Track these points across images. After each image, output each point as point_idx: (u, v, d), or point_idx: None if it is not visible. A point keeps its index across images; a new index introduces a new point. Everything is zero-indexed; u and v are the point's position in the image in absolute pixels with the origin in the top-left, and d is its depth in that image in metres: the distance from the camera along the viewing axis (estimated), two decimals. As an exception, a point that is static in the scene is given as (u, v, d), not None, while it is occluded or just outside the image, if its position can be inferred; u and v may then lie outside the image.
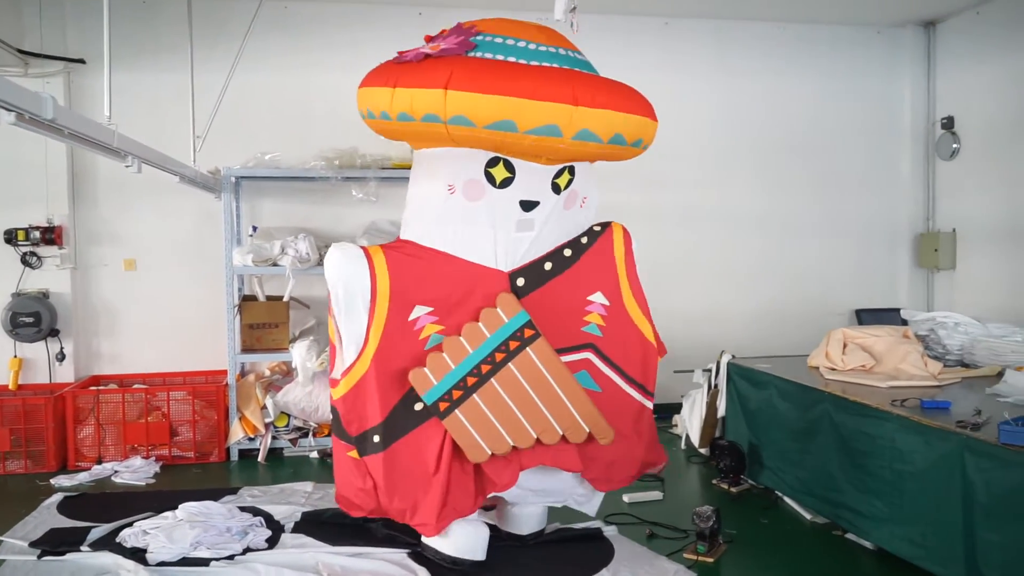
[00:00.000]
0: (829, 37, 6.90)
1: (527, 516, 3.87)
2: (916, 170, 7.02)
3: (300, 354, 5.34)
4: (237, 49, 5.11)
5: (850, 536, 3.95)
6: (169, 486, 4.90)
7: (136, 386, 5.68)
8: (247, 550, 3.70)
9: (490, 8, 6.15)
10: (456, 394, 3.38)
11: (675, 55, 6.66)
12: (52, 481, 4.97)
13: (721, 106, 6.75)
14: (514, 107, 3.11)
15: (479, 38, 3.33)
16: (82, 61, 5.79)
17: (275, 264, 5.50)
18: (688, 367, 5.83)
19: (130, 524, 3.90)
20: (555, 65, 3.30)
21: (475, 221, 3.48)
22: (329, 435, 5.53)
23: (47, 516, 4.32)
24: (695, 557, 3.71)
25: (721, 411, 5.22)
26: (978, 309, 6.08)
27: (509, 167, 3.43)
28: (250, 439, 5.52)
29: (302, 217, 6.10)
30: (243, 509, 4.17)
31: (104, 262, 5.97)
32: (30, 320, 5.59)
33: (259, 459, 5.46)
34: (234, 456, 5.51)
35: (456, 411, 3.38)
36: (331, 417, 3.64)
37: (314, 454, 5.56)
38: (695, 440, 5.46)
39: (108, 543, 3.74)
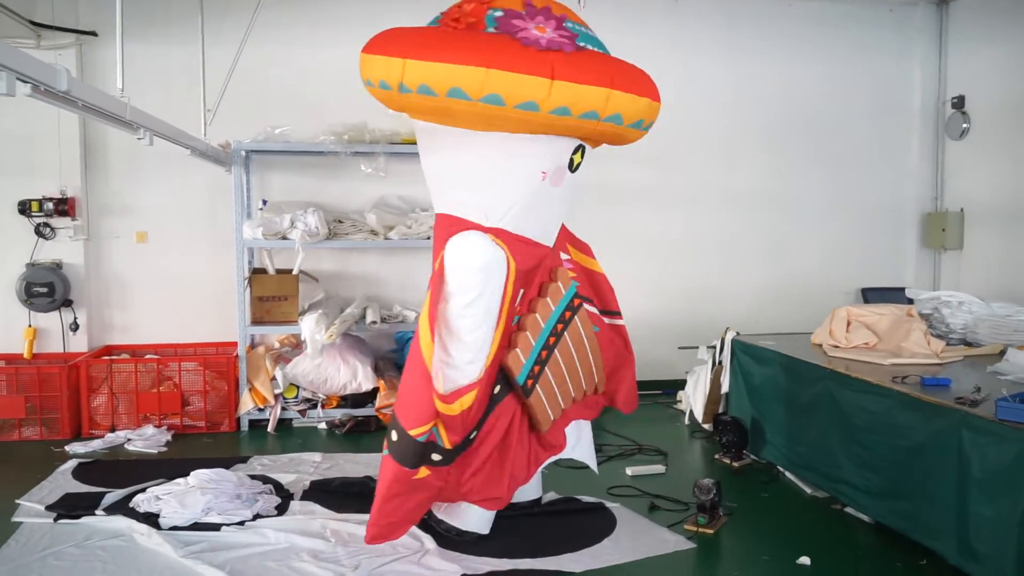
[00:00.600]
0: (839, 15, 6.86)
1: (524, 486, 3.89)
2: (925, 149, 7.01)
3: (309, 327, 5.40)
4: (248, 22, 5.12)
5: (849, 510, 4.01)
6: (180, 454, 5.00)
7: (148, 356, 5.77)
8: (257, 516, 3.79)
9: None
10: (536, 369, 3.47)
11: (685, 34, 6.63)
12: (67, 448, 5.07)
13: (730, 85, 6.73)
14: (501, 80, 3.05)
15: (572, 27, 3.29)
16: (94, 33, 5.82)
17: (285, 238, 5.56)
18: (693, 344, 5.88)
19: (143, 490, 3.99)
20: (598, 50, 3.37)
21: (552, 204, 3.54)
22: (337, 407, 5.66)
23: (62, 481, 4.43)
24: (695, 528, 3.78)
25: (725, 387, 5.27)
26: (985, 289, 6.11)
27: (583, 152, 3.54)
28: (260, 410, 5.61)
29: (311, 191, 6.15)
30: (253, 477, 4.27)
31: (116, 234, 6.04)
32: (44, 290, 5.68)
33: (268, 429, 5.55)
34: (244, 426, 5.60)
35: (537, 387, 3.48)
36: (393, 439, 3.31)
37: (322, 425, 5.65)
38: (699, 416, 5.53)
39: (122, 507, 3.85)
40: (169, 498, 3.82)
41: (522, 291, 3.51)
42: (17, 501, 4.04)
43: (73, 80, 2.78)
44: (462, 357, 3.26)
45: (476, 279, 3.24)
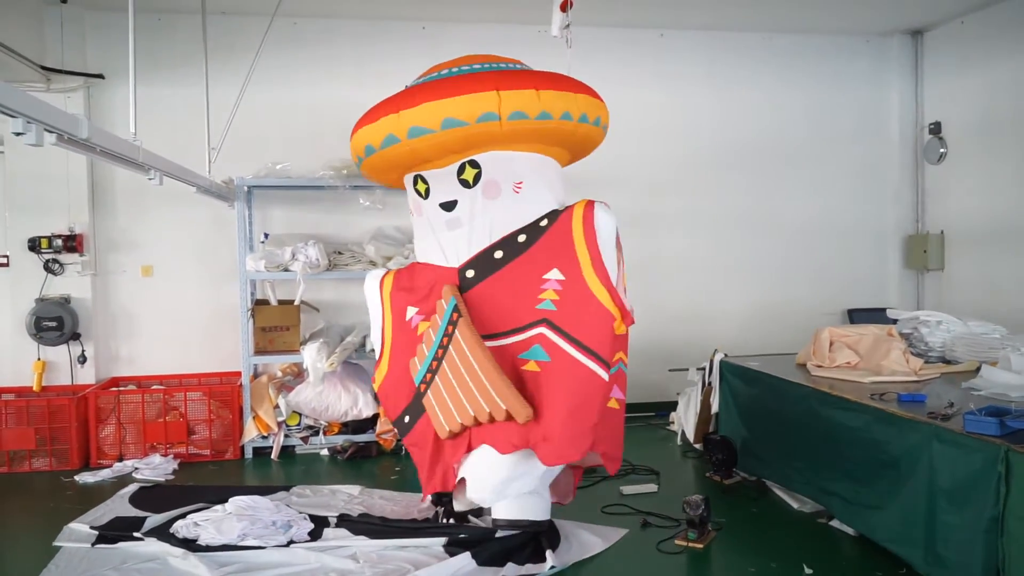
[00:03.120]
0: (819, 47, 7.13)
1: (530, 506, 3.93)
2: (905, 174, 7.25)
3: (311, 355, 5.57)
4: (250, 63, 5.34)
5: (834, 523, 4.17)
6: (186, 482, 5.14)
7: (154, 387, 5.93)
8: (291, 542, 3.92)
9: (490, 22, 6.43)
10: (428, 376, 3.85)
11: (670, 66, 6.89)
12: (76, 478, 5.22)
13: (715, 114, 6.98)
14: (364, 133, 3.95)
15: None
16: (101, 76, 6.05)
17: (286, 269, 5.74)
18: (683, 365, 6.07)
19: (183, 516, 4.16)
20: (418, 84, 3.94)
21: (424, 231, 4.13)
22: (338, 433, 5.83)
23: (118, 505, 4.63)
24: (685, 543, 3.94)
25: (714, 407, 5.44)
26: (965, 308, 6.30)
27: (423, 179, 4.03)
28: (263, 437, 5.76)
29: (312, 224, 6.35)
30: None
31: (123, 268, 6.23)
32: (53, 324, 5.85)
33: (272, 456, 5.70)
34: (248, 454, 5.76)
35: (428, 392, 3.85)
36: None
37: (324, 451, 5.80)
38: (690, 436, 5.69)
39: (161, 533, 4.01)
40: (207, 524, 3.98)
41: (412, 309, 4.06)
42: (70, 525, 4.24)
43: (93, 128, 2.98)
44: None
45: (368, 306, 4.28)
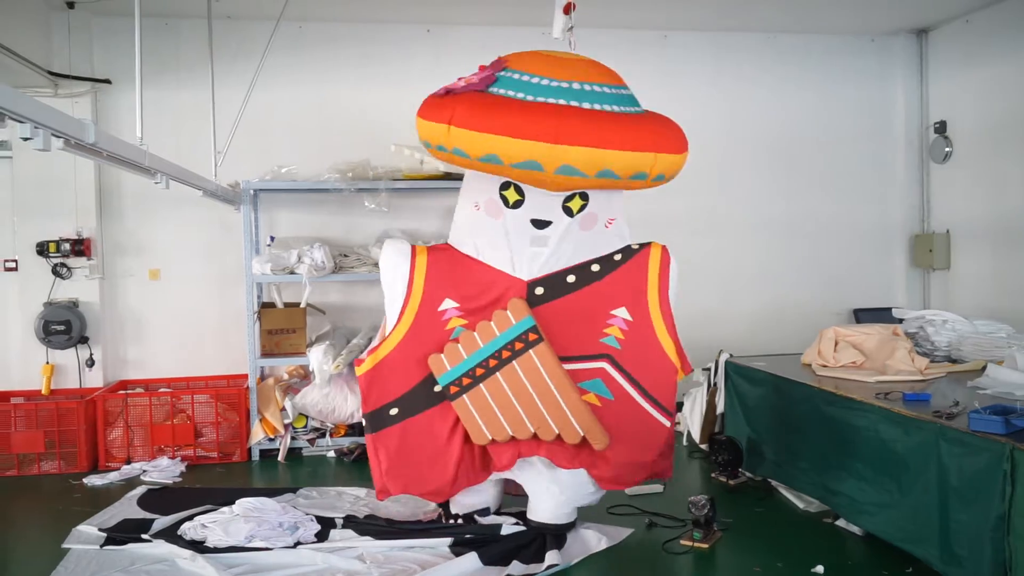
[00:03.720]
0: (824, 46, 7.13)
1: (547, 509, 4.03)
2: (910, 173, 7.23)
3: (317, 358, 5.59)
4: (255, 67, 5.37)
5: (840, 523, 4.17)
6: (195, 484, 5.16)
7: (162, 390, 5.96)
8: (297, 543, 3.94)
9: (494, 25, 6.45)
10: (466, 381, 3.77)
11: (674, 67, 6.89)
12: (84, 480, 5.25)
13: (720, 115, 6.98)
14: (499, 144, 3.48)
15: (503, 73, 3.66)
16: (108, 81, 6.09)
17: (292, 272, 5.77)
18: (689, 367, 6.05)
19: (190, 518, 4.18)
20: (561, 102, 3.56)
21: (495, 234, 3.91)
22: (344, 435, 5.84)
23: (126, 507, 4.66)
24: (691, 543, 3.94)
25: (720, 408, 5.44)
26: (972, 307, 6.30)
27: (519, 191, 3.83)
28: (270, 439, 5.78)
29: (317, 227, 6.38)
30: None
31: (130, 272, 6.26)
32: (61, 328, 5.89)
33: (279, 458, 5.72)
34: (255, 456, 5.78)
35: (464, 396, 3.77)
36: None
37: (331, 453, 5.82)
38: (696, 436, 5.69)
39: (169, 534, 4.03)
40: (214, 526, 4.00)
41: (450, 301, 3.86)
42: (79, 527, 4.26)
43: (100, 133, 3.00)
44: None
45: (381, 270, 3.96)
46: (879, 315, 6.70)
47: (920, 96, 7.19)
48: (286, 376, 6.27)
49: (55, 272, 5.97)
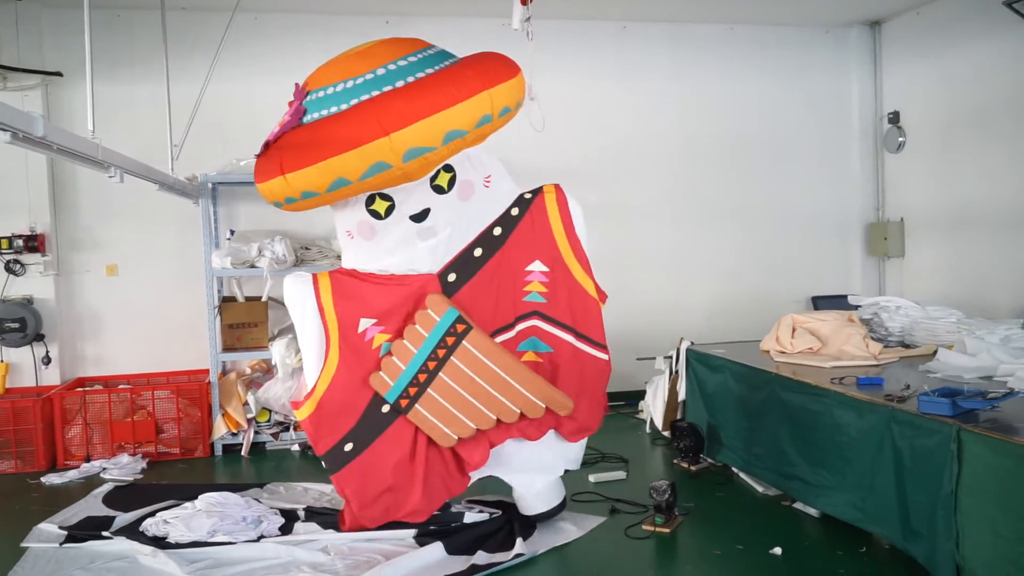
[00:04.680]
0: (779, 38, 7.23)
1: (538, 495, 4.07)
2: (865, 163, 7.38)
3: (279, 351, 5.55)
4: (211, 60, 5.31)
5: (797, 505, 4.26)
6: (156, 481, 5.10)
7: (121, 387, 5.88)
8: (261, 537, 3.92)
9: (452, 15, 6.44)
10: (412, 391, 3.72)
11: (633, 58, 6.94)
12: (43, 479, 5.17)
13: (678, 105, 7.05)
14: (337, 165, 3.30)
15: (308, 99, 3.51)
16: (59, 74, 5.97)
17: (253, 266, 5.72)
18: (651, 355, 6.13)
19: (152, 514, 4.14)
20: (373, 94, 3.37)
21: (381, 250, 3.77)
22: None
23: (90, 505, 4.61)
24: (652, 528, 4.00)
25: (682, 395, 5.51)
26: (925, 294, 6.44)
27: (385, 197, 3.67)
28: (233, 435, 5.74)
29: (277, 220, 6.29)
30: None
31: (87, 268, 6.16)
32: (15, 326, 5.77)
33: (242, 453, 5.68)
34: (218, 451, 5.73)
35: (416, 406, 3.72)
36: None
37: (295, 447, 5.79)
38: (658, 423, 5.76)
39: (131, 531, 3.99)
40: (176, 521, 3.97)
41: (367, 320, 3.72)
42: (39, 526, 4.20)
43: (49, 125, 2.95)
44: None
45: (288, 308, 3.79)
46: (836, 302, 6.82)
47: (874, 87, 7.33)
48: (248, 370, 6.22)
49: (8, 269, 5.86)
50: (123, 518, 4.21)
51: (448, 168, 3.73)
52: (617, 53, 6.90)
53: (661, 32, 7.00)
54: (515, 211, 3.92)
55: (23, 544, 3.98)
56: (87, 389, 5.78)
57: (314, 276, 3.76)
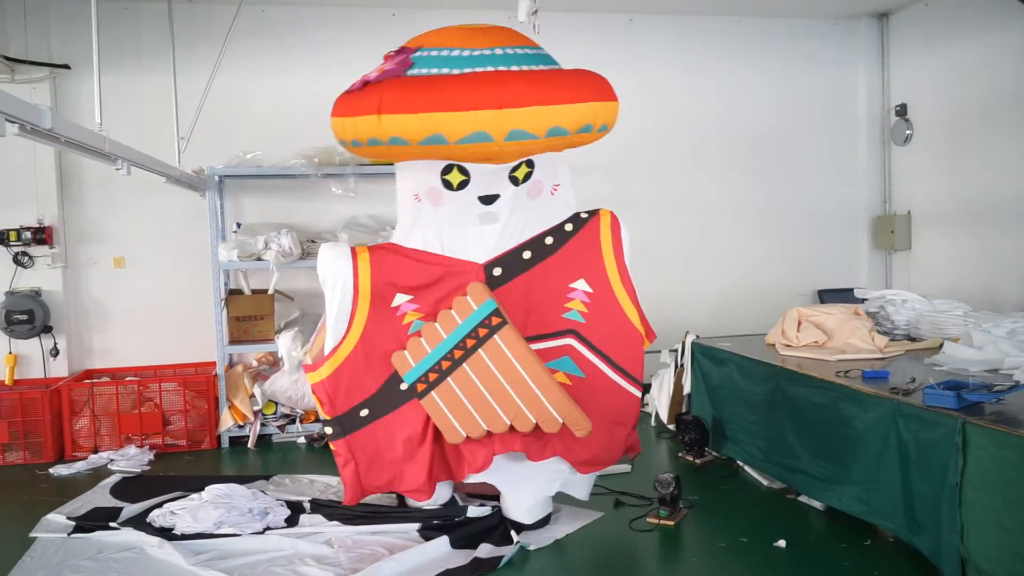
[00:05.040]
0: (787, 30, 7.19)
1: (527, 509, 3.96)
2: (872, 155, 7.35)
3: (285, 344, 5.58)
4: (218, 52, 5.30)
5: (802, 499, 4.26)
6: (163, 472, 5.13)
7: (128, 379, 5.91)
8: (267, 529, 3.94)
9: (460, 8, 6.41)
10: (432, 376, 3.67)
11: (640, 51, 6.92)
12: (51, 471, 5.20)
13: (685, 99, 7.03)
14: (441, 121, 3.31)
15: (418, 54, 3.53)
16: (67, 66, 5.98)
17: (259, 259, 5.74)
18: (656, 348, 6.11)
19: (159, 505, 4.17)
20: (490, 68, 3.43)
21: (442, 223, 3.80)
22: (314, 421, 5.83)
23: (98, 496, 4.64)
24: (657, 521, 4.01)
25: (687, 388, 5.52)
26: (932, 287, 6.44)
27: (463, 171, 3.71)
28: (240, 427, 5.77)
29: (284, 213, 6.34)
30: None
31: (94, 260, 6.18)
32: (24, 318, 5.81)
33: (249, 445, 5.71)
34: (225, 443, 5.76)
35: (432, 393, 3.68)
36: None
37: (301, 439, 5.82)
38: (664, 417, 5.76)
39: (138, 522, 4.02)
40: (183, 513, 3.99)
41: (403, 296, 3.74)
42: (48, 516, 4.23)
43: (56, 118, 2.97)
44: (323, 339, 3.78)
45: (320, 276, 3.77)
46: (842, 295, 6.82)
47: (881, 79, 7.29)
48: (255, 363, 6.24)
49: (16, 261, 5.89)
50: (130, 509, 4.25)
51: (530, 163, 3.77)
52: (624, 46, 6.88)
53: (668, 25, 6.97)
54: (569, 227, 3.94)
55: (32, 534, 4.01)
56: (95, 381, 5.81)
57: (353, 250, 3.74)
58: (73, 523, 4.10)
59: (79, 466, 5.28)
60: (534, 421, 3.66)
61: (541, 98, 3.36)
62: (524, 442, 3.75)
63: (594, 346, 3.88)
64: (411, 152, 3.52)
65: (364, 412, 3.75)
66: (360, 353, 3.72)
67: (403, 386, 3.73)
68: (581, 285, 3.91)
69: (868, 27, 7.28)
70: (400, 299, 3.75)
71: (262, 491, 4.39)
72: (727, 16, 7.06)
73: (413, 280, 3.77)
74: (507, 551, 3.67)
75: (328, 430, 3.79)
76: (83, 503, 4.49)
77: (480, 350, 3.67)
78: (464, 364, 3.67)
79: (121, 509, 4.27)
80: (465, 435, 3.69)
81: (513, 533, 3.80)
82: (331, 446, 3.82)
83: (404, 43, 3.66)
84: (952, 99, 6.56)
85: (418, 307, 3.76)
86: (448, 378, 3.67)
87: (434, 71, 3.47)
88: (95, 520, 4.13)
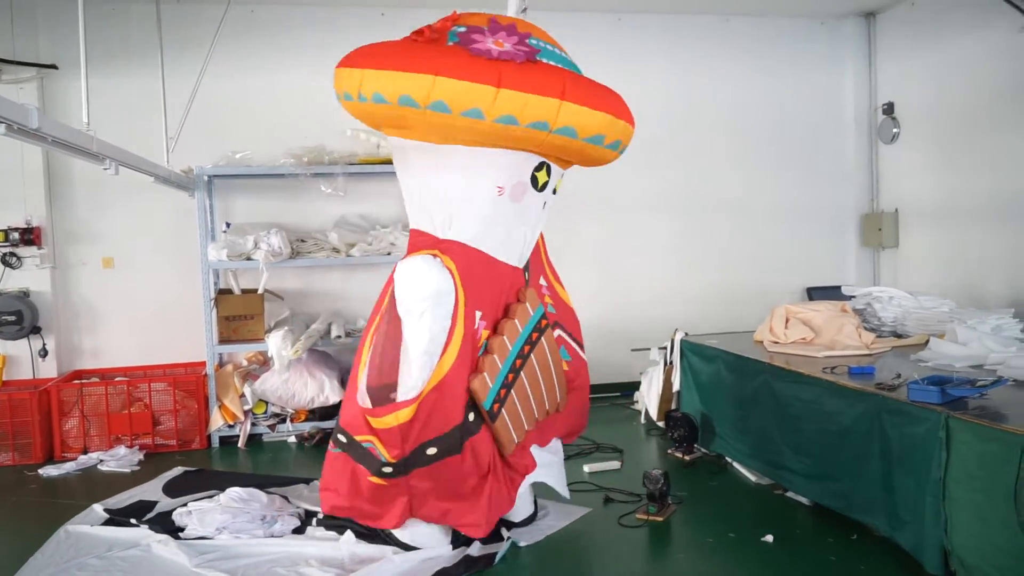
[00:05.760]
0: (775, 29, 7.23)
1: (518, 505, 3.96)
2: (859, 154, 7.39)
3: (276, 344, 5.57)
4: (206, 52, 5.31)
5: (790, 494, 4.29)
6: (153, 473, 5.10)
7: (118, 379, 5.90)
8: (271, 537, 3.89)
9: (447, 7, 6.39)
10: (502, 393, 3.51)
11: (628, 50, 6.94)
12: (40, 472, 5.18)
13: (673, 98, 7.05)
14: (544, 106, 3.22)
15: (535, 43, 3.43)
16: (54, 67, 5.96)
17: (249, 258, 5.74)
18: (645, 346, 6.16)
19: (184, 504, 4.21)
20: (559, 65, 3.44)
21: (512, 223, 3.62)
22: (305, 420, 5.83)
23: (148, 489, 4.70)
24: (646, 517, 4.03)
25: (676, 385, 5.54)
26: (919, 284, 6.49)
27: (550, 171, 3.63)
28: (230, 426, 5.77)
29: (274, 213, 6.33)
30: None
31: (83, 260, 6.17)
32: (12, 319, 5.79)
33: (239, 445, 5.71)
34: (215, 443, 5.76)
35: (503, 410, 3.51)
36: (341, 443, 3.52)
37: (292, 438, 5.82)
38: (653, 414, 5.79)
39: (164, 519, 4.08)
40: (195, 514, 4.00)
41: (479, 313, 3.49)
42: (93, 506, 4.31)
43: (43, 118, 2.96)
44: (407, 375, 3.31)
45: (423, 306, 3.26)
46: (830, 293, 6.84)
47: (869, 78, 7.34)
48: (245, 362, 6.24)
49: (4, 262, 5.87)
50: (164, 503, 4.33)
51: (547, 170, 3.63)
52: (612, 45, 6.90)
53: (656, 24, 6.99)
54: None
55: (67, 525, 4.04)
56: (84, 382, 5.80)
57: (437, 256, 3.38)
58: (107, 515, 4.16)
59: (68, 467, 5.26)
60: (548, 408, 3.86)
61: (595, 101, 3.33)
62: (535, 433, 3.87)
63: (566, 330, 4.13)
64: (484, 132, 3.26)
65: (432, 450, 3.34)
66: (444, 389, 3.31)
67: (471, 416, 3.41)
68: (543, 281, 4.11)
69: (855, 26, 7.32)
70: (478, 317, 3.49)
71: (284, 497, 4.36)
72: (715, 15, 7.09)
73: (485, 293, 3.53)
74: (499, 548, 3.68)
75: (387, 470, 3.38)
76: (130, 495, 4.57)
77: (532, 355, 3.70)
78: (522, 372, 3.62)
79: (157, 504, 4.35)
80: (517, 442, 3.61)
81: (503, 530, 3.81)
82: (377, 480, 3.41)
83: (491, 19, 3.51)
84: (939, 97, 6.60)
85: (486, 324, 3.55)
86: (512, 391, 3.54)
87: (555, 64, 3.42)
88: (130, 514, 4.19)
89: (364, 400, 3.33)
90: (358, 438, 3.38)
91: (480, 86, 3.13)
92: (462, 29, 3.40)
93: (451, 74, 3.13)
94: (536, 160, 3.53)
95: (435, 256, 3.38)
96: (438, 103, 3.14)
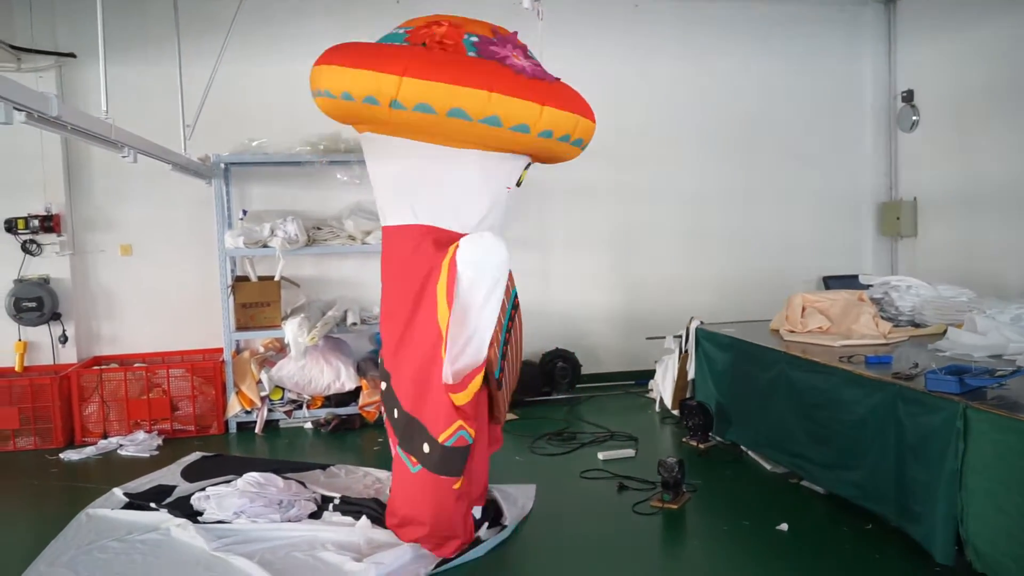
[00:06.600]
0: (793, 15, 7.16)
1: None
2: (878, 142, 7.33)
3: (292, 330, 5.61)
4: (223, 40, 5.32)
5: (804, 483, 4.28)
6: (171, 458, 5.16)
7: (136, 365, 5.96)
8: (287, 521, 3.92)
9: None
10: (503, 363, 3.69)
11: (645, 37, 6.89)
12: (61, 456, 5.26)
13: (690, 85, 7.01)
14: (547, 115, 3.40)
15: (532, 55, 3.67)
16: (73, 55, 6.00)
17: (265, 246, 5.77)
18: (660, 334, 6.15)
19: (203, 488, 4.26)
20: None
21: (500, 212, 3.82)
22: (321, 407, 5.87)
23: (168, 473, 4.78)
24: (660, 504, 4.04)
25: (691, 374, 5.54)
26: (937, 273, 6.41)
27: (527, 170, 3.82)
28: (247, 412, 5.81)
29: (290, 200, 6.36)
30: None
31: (101, 248, 6.22)
32: (33, 305, 5.86)
33: (256, 431, 5.76)
34: (232, 428, 5.81)
35: (503, 380, 3.74)
36: (424, 455, 3.48)
37: (308, 424, 5.86)
38: (668, 402, 5.79)
39: (183, 503, 4.11)
40: (213, 498, 4.04)
41: None
42: (114, 490, 4.36)
43: (63, 106, 2.99)
44: (479, 340, 3.39)
45: (498, 273, 3.37)
46: (847, 282, 6.80)
47: (888, 65, 7.26)
48: (262, 349, 6.29)
49: (24, 249, 5.92)
50: (181, 489, 4.37)
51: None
52: (628, 32, 6.85)
53: (673, 11, 6.95)
54: None
55: (88, 509, 4.09)
56: (103, 367, 5.86)
57: None
58: (126, 499, 4.22)
59: (89, 451, 5.33)
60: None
61: (571, 105, 3.47)
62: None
63: None
64: (476, 135, 3.43)
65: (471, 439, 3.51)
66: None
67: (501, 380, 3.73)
68: None
69: (875, 13, 7.24)
70: None
71: (301, 482, 4.37)
72: (733, 2, 7.03)
73: None
74: (497, 533, 3.74)
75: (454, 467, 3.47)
76: (151, 479, 4.63)
77: (512, 330, 3.77)
78: (507, 345, 3.74)
79: (175, 488, 4.40)
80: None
81: (506, 514, 3.90)
82: (459, 484, 3.47)
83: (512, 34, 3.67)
84: (959, 85, 6.53)
85: None
86: (504, 361, 3.70)
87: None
88: (149, 498, 4.23)
89: (448, 376, 3.36)
90: (442, 437, 3.35)
91: (529, 104, 3.35)
92: (475, 39, 3.48)
93: (505, 92, 3.30)
94: (526, 160, 3.74)
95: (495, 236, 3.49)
96: (492, 118, 3.33)
